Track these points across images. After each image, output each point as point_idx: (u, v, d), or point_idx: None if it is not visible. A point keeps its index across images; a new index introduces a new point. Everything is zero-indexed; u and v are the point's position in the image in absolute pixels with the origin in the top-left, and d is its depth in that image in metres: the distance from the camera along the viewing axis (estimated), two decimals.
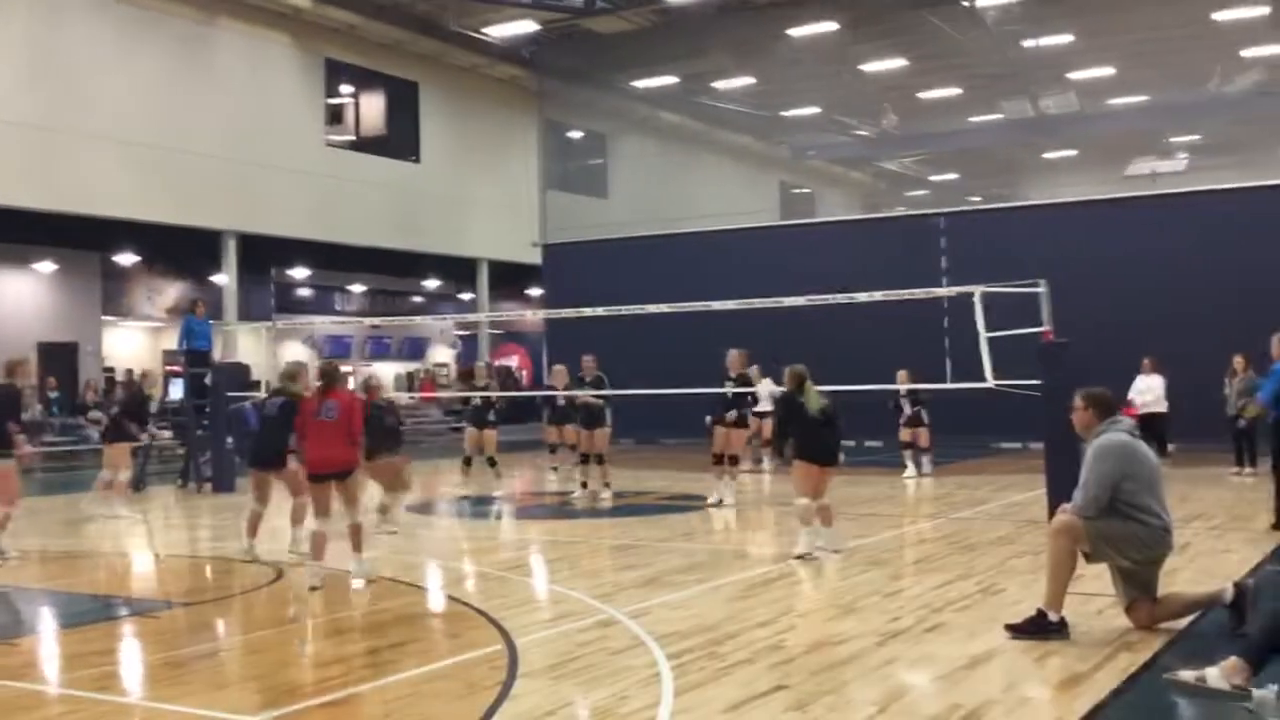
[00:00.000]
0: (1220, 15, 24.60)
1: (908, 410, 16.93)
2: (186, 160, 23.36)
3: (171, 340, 24.07)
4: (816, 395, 9.79)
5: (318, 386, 9.10)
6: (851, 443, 19.88)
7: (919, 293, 14.89)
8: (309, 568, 8.69)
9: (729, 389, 13.61)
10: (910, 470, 16.83)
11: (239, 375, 18.46)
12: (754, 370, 15.28)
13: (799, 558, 9.43)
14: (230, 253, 24.68)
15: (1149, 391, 16.97)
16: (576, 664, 6.27)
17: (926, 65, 29.31)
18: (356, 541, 8.88)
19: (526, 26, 27.11)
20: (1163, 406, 17.04)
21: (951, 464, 18.80)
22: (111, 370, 27.48)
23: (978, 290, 12.36)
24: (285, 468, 10.07)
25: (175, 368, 18.17)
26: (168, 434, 16.54)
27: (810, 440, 9.71)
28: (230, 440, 16.69)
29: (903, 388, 16.43)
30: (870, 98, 31.31)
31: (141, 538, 12.79)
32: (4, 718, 5.52)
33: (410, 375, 34.89)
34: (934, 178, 38.80)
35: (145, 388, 11.68)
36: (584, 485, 14.78)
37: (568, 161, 31.49)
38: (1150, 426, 16.12)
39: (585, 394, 14.63)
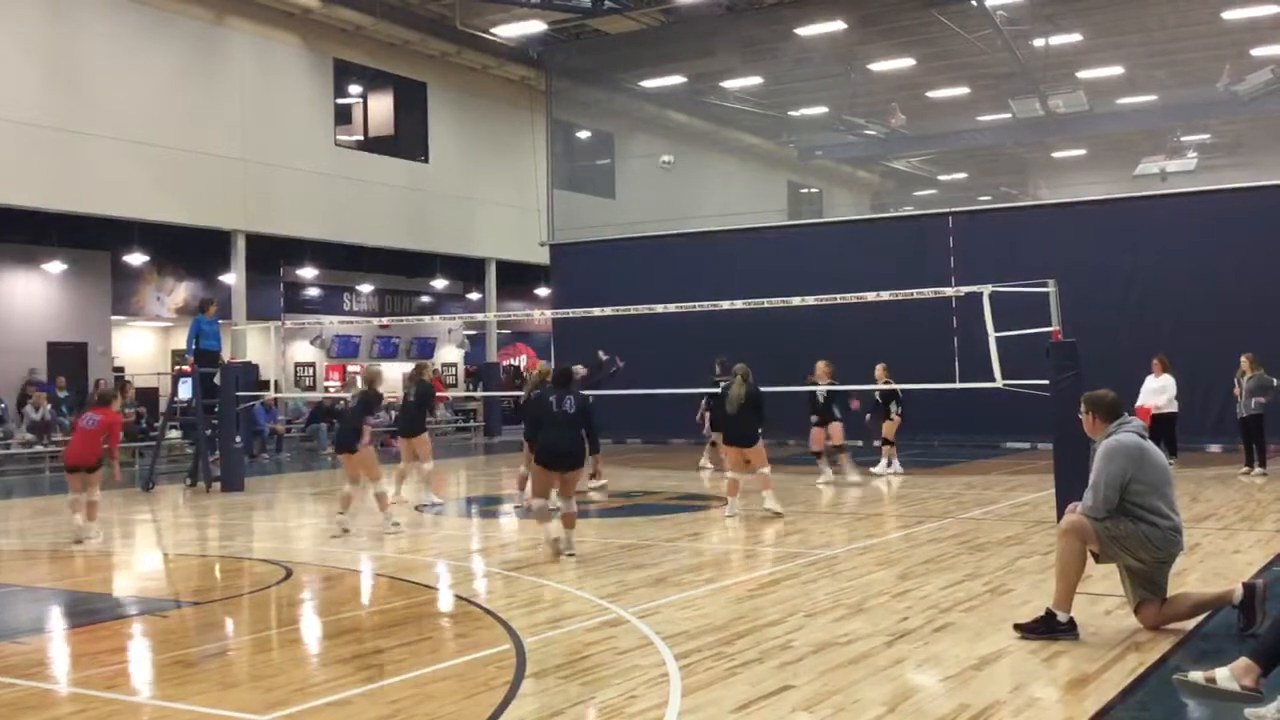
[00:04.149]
0: (1230, 14, 24.51)
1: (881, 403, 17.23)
2: (196, 160, 23.43)
3: (181, 340, 24.14)
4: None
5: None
6: (860, 443, 19.95)
7: (928, 292, 14.87)
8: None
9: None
10: (882, 465, 17.15)
11: (248, 375, 18.52)
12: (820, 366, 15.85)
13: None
14: (239, 252, 24.74)
15: (1161, 392, 16.87)
16: (584, 664, 6.27)
17: (935, 64, 29.26)
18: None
19: (535, 26, 27.13)
20: (1173, 407, 16.94)
21: (960, 464, 18.77)
22: (121, 370, 27.54)
23: (986, 290, 12.35)
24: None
25: (185, 368, 18.17)
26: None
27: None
28: (239, 439, 16.75)
29: (879, 387, 16.68)
30: (878, 97, 31.23)
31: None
32: (13, 717, 5.53)
33: None
34: (942, 177, 38.65)
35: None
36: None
37: (576, 161, 31.46)
38: (1160, 427, 16.07)
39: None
